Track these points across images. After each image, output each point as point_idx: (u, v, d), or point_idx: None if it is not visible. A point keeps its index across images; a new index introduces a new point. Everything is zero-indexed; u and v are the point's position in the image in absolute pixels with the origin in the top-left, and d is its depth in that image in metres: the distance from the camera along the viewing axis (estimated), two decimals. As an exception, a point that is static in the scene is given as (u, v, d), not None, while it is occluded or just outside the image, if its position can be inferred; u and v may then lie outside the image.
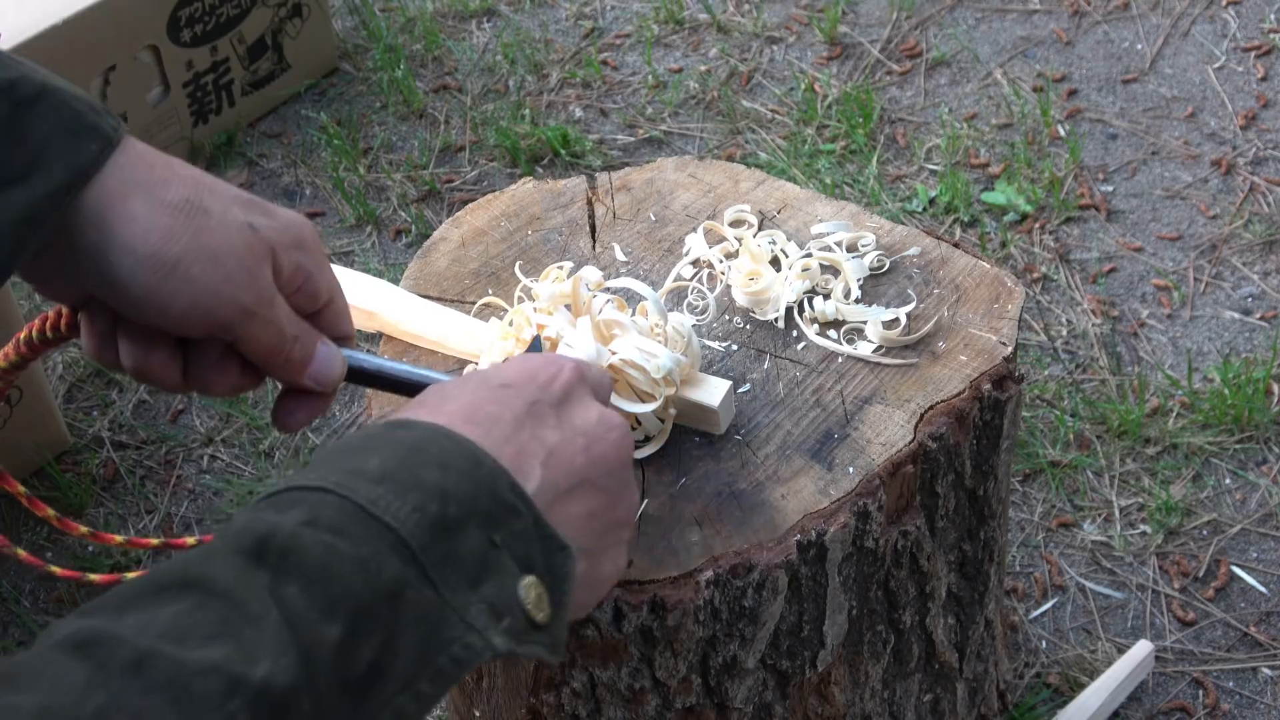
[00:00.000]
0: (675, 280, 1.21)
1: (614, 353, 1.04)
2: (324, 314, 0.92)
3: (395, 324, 1.18)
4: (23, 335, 0.95)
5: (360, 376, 0.95)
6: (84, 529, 1.04)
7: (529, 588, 0.72)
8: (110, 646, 0.59)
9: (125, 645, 0.59)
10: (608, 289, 1.14)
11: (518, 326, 1.10)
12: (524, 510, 0.73)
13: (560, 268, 1.18)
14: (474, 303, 1.22)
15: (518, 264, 1.25)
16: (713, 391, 1.07)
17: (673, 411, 1.08)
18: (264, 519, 0.67)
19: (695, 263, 1.23)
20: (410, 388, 0.95)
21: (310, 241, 0.89)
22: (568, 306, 1.09)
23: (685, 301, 1.20)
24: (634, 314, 1.09)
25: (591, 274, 1.15)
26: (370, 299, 1.18)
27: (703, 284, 1.21)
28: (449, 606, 0.68)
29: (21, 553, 0.97)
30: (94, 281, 0.82)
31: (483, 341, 1.14)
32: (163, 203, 0.82)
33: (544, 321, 1.08)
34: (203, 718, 0.58)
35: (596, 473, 0.80)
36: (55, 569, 0.98)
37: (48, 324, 0.92)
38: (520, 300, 1.20)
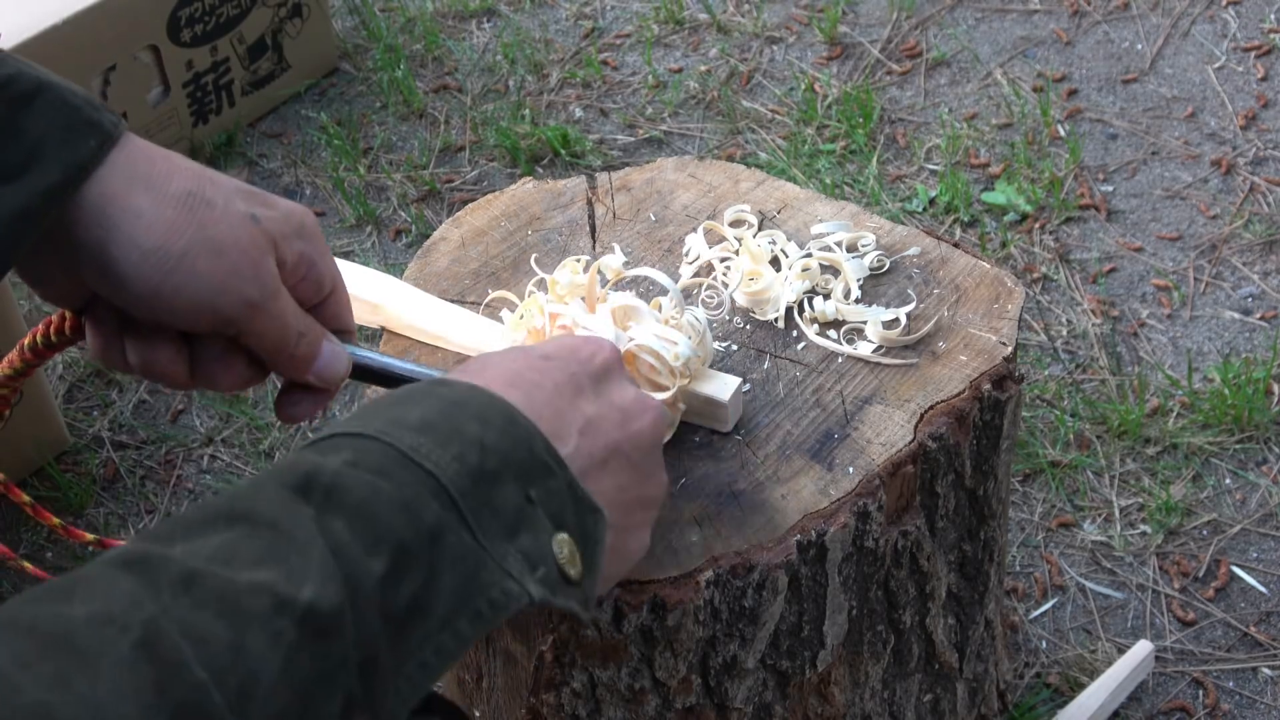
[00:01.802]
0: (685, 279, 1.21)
1: (632, 339, 1.03)
2: (327, 304, 0.92)
3: (399, 316, 1.17)
4: (26, 341, 0.94)
5: (364, 373, 0.95)
6: (90, 537, 1.04)
7: (562, 544, 0.74)
8: (160, 565, 0.61)
9: (174, 564, 0.61)
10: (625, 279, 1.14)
11: (529, 317, 1.10)
12: (558, 471, 0.75)
13: (578, 260, 1.18)
14: (474, 303, 1.22)
15: (534, 256, 1.25)
16: (723, 387, 1.07)
17: (682, 406, 1.08)
18: (309, 459, 0.69)
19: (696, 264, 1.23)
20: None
21: (311, 229, 0.89)
22: (583, 298, 1.09)
23: (700, 298, 1.20)
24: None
25: (613, 261, 1.15)
26: (375, 292, 1.18)
27: (717, 281, 1.21)
28: (487, 553, 0.70)
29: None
30: (97, 279, 0.82)
31: (487, 338, 1.14)
32: (166, 196, 0.81)
33: (558, 310, 1.08)
34: (251, 632, 0.59)
35: (630, 447, 0.82)
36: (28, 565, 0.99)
37: (51, 328, 0.92)
38: (531, 294, 1.19)
